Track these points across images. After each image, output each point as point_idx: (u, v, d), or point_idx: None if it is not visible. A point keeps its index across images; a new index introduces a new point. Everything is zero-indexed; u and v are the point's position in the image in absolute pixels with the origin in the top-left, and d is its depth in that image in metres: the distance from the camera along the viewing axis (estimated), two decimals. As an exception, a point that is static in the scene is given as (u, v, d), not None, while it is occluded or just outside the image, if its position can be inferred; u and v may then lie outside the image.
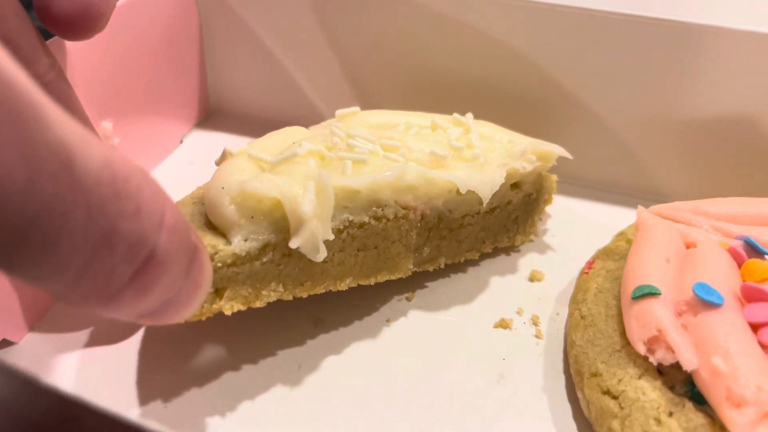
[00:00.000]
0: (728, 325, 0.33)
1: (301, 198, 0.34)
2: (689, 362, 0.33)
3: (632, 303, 0.36)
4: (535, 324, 0.43)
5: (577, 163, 0.53)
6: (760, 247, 0.38)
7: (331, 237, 0.36)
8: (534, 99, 0.53)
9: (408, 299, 0.44)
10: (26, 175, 0.17)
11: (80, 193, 0.19)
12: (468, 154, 0.42)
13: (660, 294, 0.35)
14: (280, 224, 0.36)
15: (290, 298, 0.38)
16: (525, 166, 0.43)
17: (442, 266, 0.45)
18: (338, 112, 0.46)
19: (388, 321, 0.43)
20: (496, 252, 0.48)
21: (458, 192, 0.41)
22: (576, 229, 0.51)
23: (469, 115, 0.47)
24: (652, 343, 0.35)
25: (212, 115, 0.63)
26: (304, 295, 0.38)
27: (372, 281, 0.41)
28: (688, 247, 0.40)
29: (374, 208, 0.39)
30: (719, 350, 0.32)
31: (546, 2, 0.48)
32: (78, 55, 0.44)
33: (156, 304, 0.23)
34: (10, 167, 0.17)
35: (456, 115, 0.47)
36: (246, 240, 0.35)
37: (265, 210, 0.35)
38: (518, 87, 0.53)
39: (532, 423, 0.37)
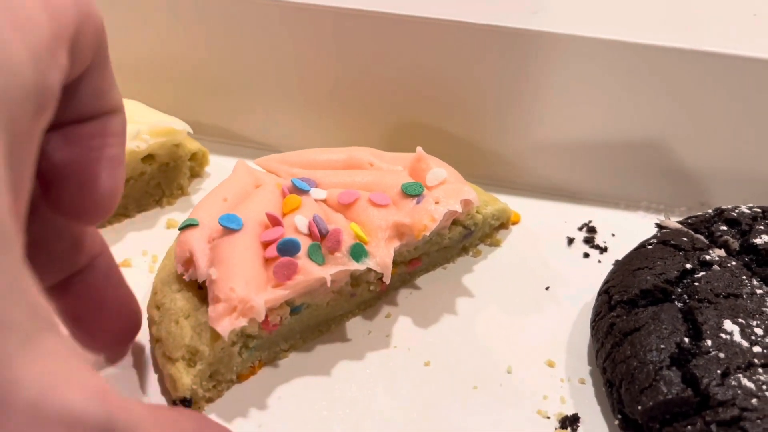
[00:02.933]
0: (235, 245, 0.42)
1: None
2: (201, 275, 0.42)
3: (179, 233, 0.45)
4: (155, 262, 0.51)
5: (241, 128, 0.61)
6: (301, 185, 0.47)
7: None
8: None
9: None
10: None
11: None
12: None
13: (197, 225, 0.44)
14: None
15: None
16: (139, 145, 0.50)
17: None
18: None
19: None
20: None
21: None
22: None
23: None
24: (187, 263, 0.43)
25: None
26: None
27: None
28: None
29: None
30: (218, 263, 0.41)
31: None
32: None
33: None
34: None
35: None
36: None
37: None
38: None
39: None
